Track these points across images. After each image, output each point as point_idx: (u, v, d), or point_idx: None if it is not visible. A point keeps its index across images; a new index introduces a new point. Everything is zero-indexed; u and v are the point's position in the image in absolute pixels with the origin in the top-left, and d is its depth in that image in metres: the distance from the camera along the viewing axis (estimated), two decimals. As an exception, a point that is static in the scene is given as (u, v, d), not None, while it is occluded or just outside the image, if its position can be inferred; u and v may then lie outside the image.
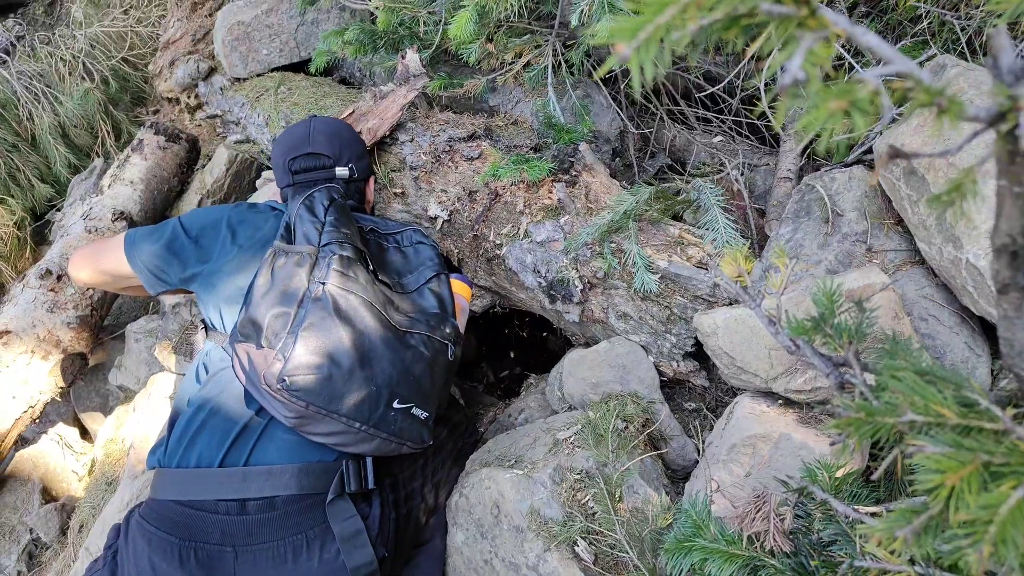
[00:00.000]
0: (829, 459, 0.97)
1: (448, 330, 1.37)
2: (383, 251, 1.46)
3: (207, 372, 1.36)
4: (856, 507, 0.87)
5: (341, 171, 1.58)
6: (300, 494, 1.22)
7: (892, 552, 0.70)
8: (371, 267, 1.33)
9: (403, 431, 1.27)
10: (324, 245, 1.26)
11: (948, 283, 1.25)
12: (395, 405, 1.24)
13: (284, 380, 1.14)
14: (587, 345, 1.70)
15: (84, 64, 2.48)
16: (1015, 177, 0.42)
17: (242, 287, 1.34)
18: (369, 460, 1.30)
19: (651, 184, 1.65)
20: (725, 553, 0.97)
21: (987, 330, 1.27)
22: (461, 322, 1.48)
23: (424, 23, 1.96)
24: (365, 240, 1.41)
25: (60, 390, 2.01)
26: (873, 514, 0.86)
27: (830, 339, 0.67)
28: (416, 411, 1.28)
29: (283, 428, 1.26)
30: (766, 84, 1.68)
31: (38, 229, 2.52)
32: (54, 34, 2.64)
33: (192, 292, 1.46)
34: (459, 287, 1.54)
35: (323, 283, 1.21)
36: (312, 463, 1.24)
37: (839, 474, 0.98)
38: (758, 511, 0.94)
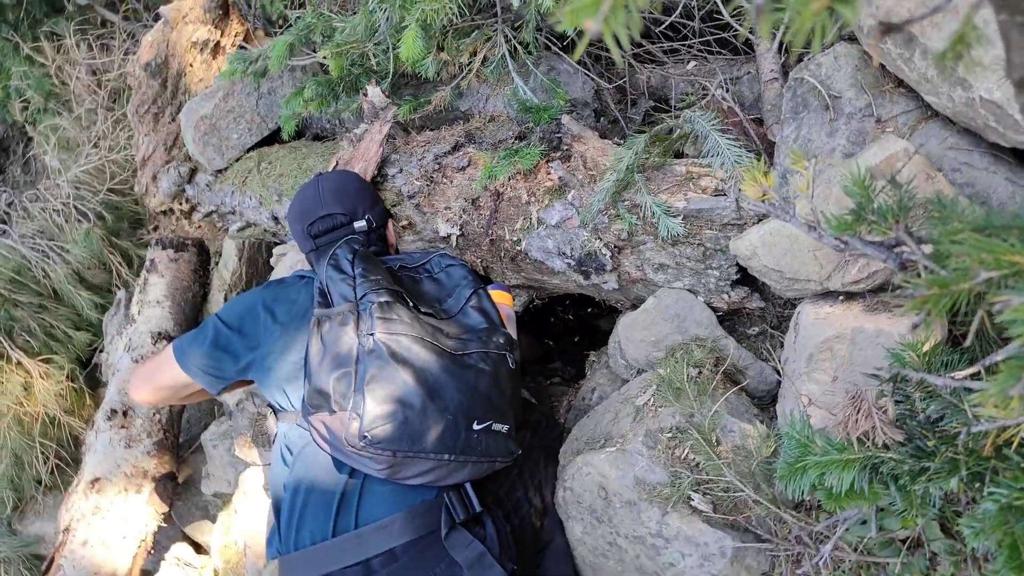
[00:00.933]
0: (910, 338, 0.96)
1: (501, 340, 1.38)
2: (417, 283, 1.47)
3: (291, 453, 1.39)
4: (953, 375, 0.85)
5: (359, 225, 1.60)
6: (415, 538, 1.24)
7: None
8: (411, 303, 1.34)
9: (490, 449, 1.28)
10: (361, 298, 1.28)
11: (968, 126, 1.21)
12: (475, 427, 1.26)
13: (365, 436, 1.16)
14: (635, 307, 1.69)
15: (76, 208, 2.55)
16: (1014, 8, 0.41)
17: (297, 362, 1.36)
18: (468, 486, 1.32)
19: (643, 132, 1.63)
20: (839, 461, 0.96)
21: (1023, 159, 1.23)
22: (510, 329, 1.49)
23: (374, 55, 1.97)
24: (397, 278, 1.43)
25: (163, 516, 2.07)
26: (973, 375, 0.84)
27: (875, 225, 0.66)
28: (496, 426, 1.30)
29: (379, 481, 1.28)
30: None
31: (89, 375, 2.60)
32: (39, 189, 2.72)
33: (252, 382, 1.49)
34: (499, 296, 1.55)
35: (372, 334, 1.22)
36: (416, 506, 1.26)
37: (925, 349, 0.96)
38: (858, 411, 0.93)
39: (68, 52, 2.74)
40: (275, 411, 1.46)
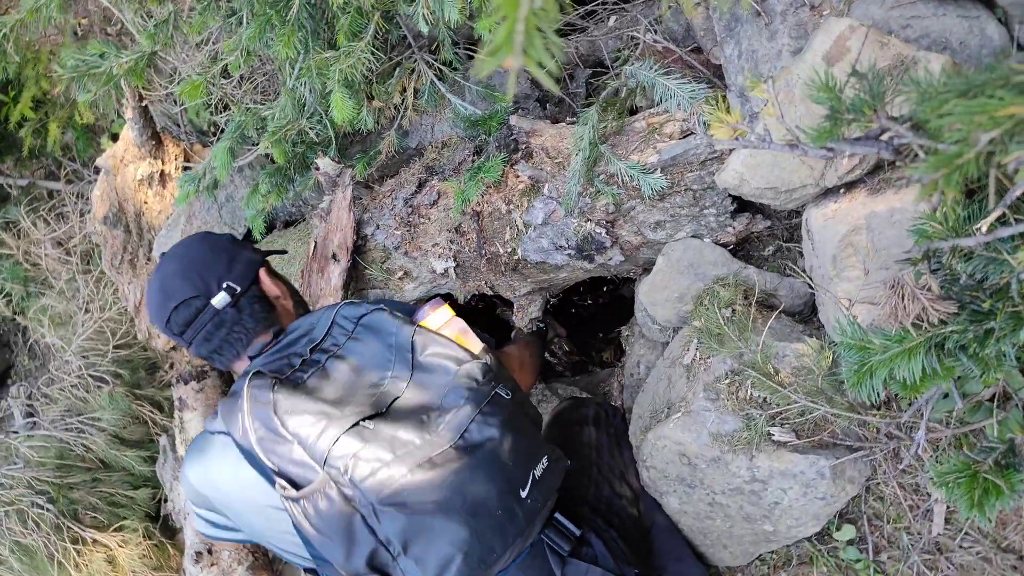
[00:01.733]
0: (924, 208, 0.93)
1: (478, 377, 1.15)
2: (344, 359, 1.16)
3: None
4: (980, 228, 0.83)
5: (220, 300, 1.26)
6: None
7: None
8: (370, 423, 1.07)
9: (547, 490, 1.18)
10: (325, 461, 1.02)
11: (901, -20, 1.19)
12: (523, 494, 1.12)
13: None
14: (647, 271, 1.68)
15: (91, 376, 2.56)
16: None
17: (294, 538, 1.13)
18: (557, 515, 1.25)
19: (591, 103, 1.61)
20: (903, 352, 0.94)
21: (966, -10, 1.20)
22: (470, 343, 1.24)
23: (311, 128, 1.96)
24: (317, 366, 1.14)
25: (280, 633, 2.08)
26: (1000, 220, 0.82)
27: (856, 122, 0.64)
28: (537, 472, 1.16)
29: None
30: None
31: (163, 526, 2.62)
32: (51, 370, 2.74)
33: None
34: (436, 321, 1.27)
35: (371, 504, 1.01)
36: (522, 560, 1.18)
37: (942, 213, 0.94)
38: (903, 297, 0.91)
39: (28, 234, 2.77)
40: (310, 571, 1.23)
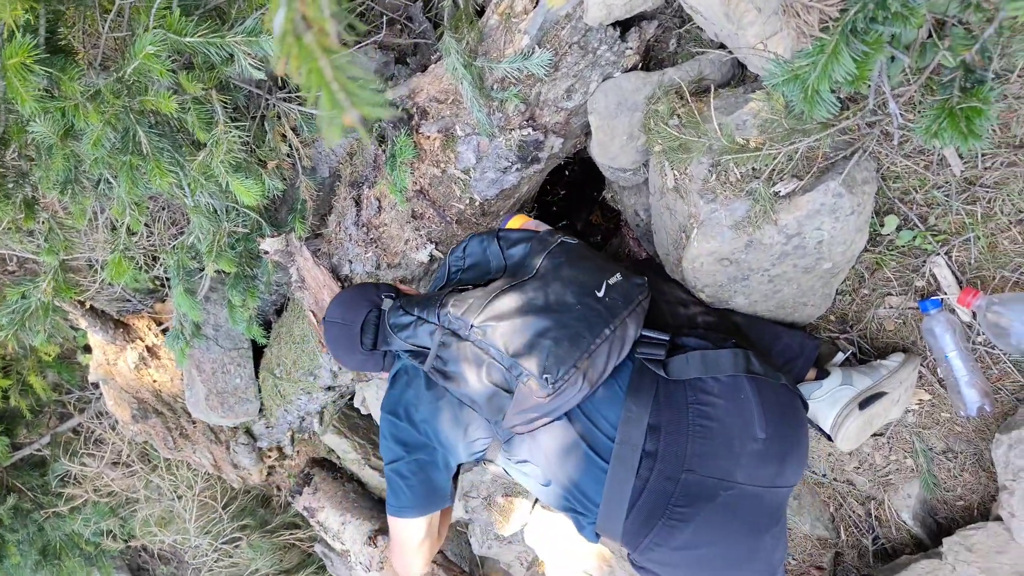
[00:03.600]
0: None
1: (548, 237, 1.43)
2: (467, 282, 1.47)
3: (525, 473, 1.42)
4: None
5: (388, 303, 1.50)
6: (653, 402, 1.31)
7: None
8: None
9: (627, 294, 1.35)
10: (439, 320, 1.34)
11: None
12: (599, 294, 1.32)
13: (544, 377, 1.22)
14: (588, 134, 1.69)
15: (223, 545, 2.68)
16: None
17: (449, 407, 1.38)
18: (644, 332, 1.39)
19: (441, 32, 1.60)
20: (830, 57, 0.97)
21: None
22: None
23: (234, 225, 1.97)
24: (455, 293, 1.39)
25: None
26: None
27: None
28: (610, 279, 1.36)
29: (593, 405, 1.35)
30: None
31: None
32: (189, 562, 2.86)
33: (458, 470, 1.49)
34: (512, 224, 1.78)
35: (468, 323, 1.29)
36: (631, 382, 1.34)
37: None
38: (798, 15, 0.93)
39: (85, 475, 2.85)
40: (484, 460, 1.46)
